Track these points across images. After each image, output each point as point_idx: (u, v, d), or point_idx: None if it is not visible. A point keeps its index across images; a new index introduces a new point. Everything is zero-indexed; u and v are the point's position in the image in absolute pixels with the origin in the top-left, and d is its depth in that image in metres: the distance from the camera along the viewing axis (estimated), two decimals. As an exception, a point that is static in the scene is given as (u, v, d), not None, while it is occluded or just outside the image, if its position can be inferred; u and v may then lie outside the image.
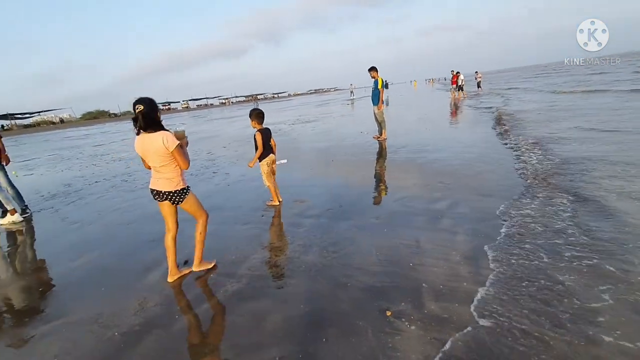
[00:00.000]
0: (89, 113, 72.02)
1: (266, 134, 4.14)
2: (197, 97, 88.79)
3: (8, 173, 4.93)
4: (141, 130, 2.38)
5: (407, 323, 1.92)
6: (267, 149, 4.15)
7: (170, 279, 2.69)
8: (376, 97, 7.70)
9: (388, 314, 2.02)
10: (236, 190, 5.20)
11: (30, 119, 61.78)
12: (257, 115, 4.08)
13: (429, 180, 4.65)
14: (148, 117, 2.34)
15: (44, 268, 3.34)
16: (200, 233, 2.72)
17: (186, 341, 2.02)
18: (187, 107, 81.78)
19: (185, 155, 2.47)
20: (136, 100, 2.34)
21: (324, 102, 37.63)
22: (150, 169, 2.53)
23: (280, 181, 4.52)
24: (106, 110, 75.80)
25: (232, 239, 3.38)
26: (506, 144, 6.35)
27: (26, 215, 4.93)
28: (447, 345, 1.73)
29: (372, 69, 7.62)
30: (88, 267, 3.16)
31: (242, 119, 22.97)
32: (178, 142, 2.39)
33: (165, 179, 2.46)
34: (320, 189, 4.77)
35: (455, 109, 14.32)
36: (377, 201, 4.14)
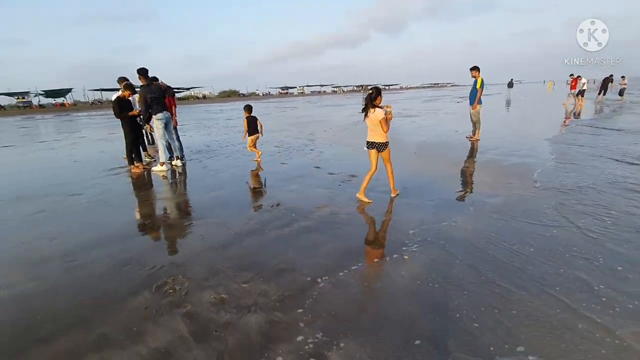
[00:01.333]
0: (224, 92, 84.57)
1: (251, 120, 6.72)
2: (311, 84, 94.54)
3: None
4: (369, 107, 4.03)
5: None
6: (252, 130, 6.73)
7: (358, 195, 4.25)
8: (473, 97, 7.79)
9: (405, 257, 2.80)
10: (325, 165, 6.32)
11: (181, 93, 76.14)
12: (246, 108, 6.80)
13: (496, 179, 4.92)
14: (374, 99, 4.01)
15: (192, 194, 5.05)
16: (391, 172, 4.30)
17: (263, 246, 3.19)
18: (303, 92, 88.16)
19: (387, 124, 4.01)
20: (373, 87, 4.09)
21: (435, 97, 36.22)
22: None
23: (359, 165, 5.42)
24: (237, 90, 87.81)
25: (314, 197, 4.49)
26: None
27: (183, 162, 7.04)
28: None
29: (474, 69, 7.72)
30: (218, 197, 4.71)
31: (349, 107, 24.31)
32: (384, 116, 3.95)
33: (378, 134, 4.05)
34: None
35: (571, 116, 12.61)
36: (436, 186, 4.69)
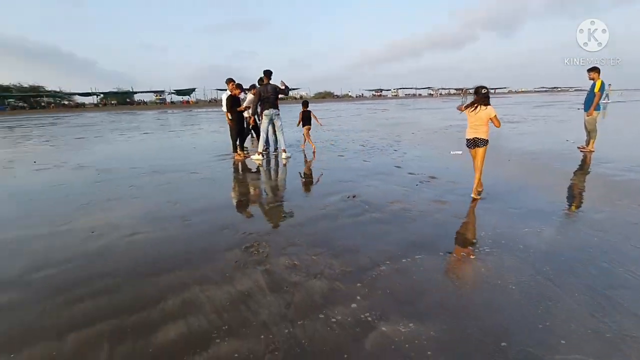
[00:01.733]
0: (319, 93, 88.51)
1: (306, 113, 8.22)
2: (405, 87, 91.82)
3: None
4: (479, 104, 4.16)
5: (479, 262, 2.67)
6: (305, 121, 8.29)
7: (473, 194, 4.32)
8: (589, 102, 6.80)
9: (472, 257, 2.80)
10: (406, 165, 6.35)
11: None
12: (303, 103, 8.50)
13: (604, 194, 4.30)
14: (487, 97, 4.19)
15: (280, 181, 5.69)
16: (481, 170, 4.32)
17: (335, 229, 3.50)
18: (397, 95, 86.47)
19: (498, 120, 4.22)
20: (481, 86, 4.21)
21: (549, 103, 31.72)
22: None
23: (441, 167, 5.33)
24: (331, 91, 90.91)
25: (390, 193, 4.65)
26: None
27: (288, 155, 7.86)
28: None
29: (593, 70, 6.73)
30: (302, 185, 5.22)
31: (443, 111, 23.12)
32: (495, 114, 4.16)
33: (483, 131, 4.21)
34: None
35: None
36: (526, 195, 4.35)
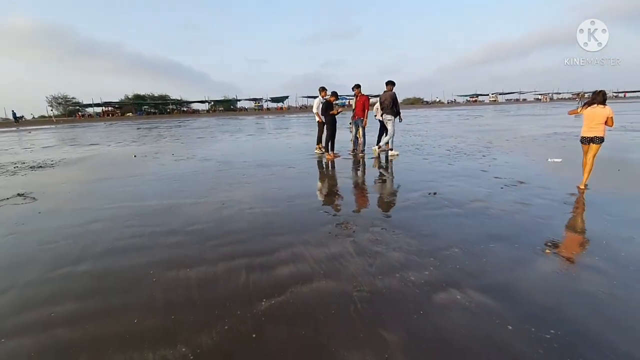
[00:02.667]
0: (408, 99, 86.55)
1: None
2: (507, 91, 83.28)
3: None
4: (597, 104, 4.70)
5: (552, 254, 2.86)
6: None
7: (581, 186, 4.86)
8: None
9: (547, 252, 2.99)
10: (493, 170, 6.32)
11: (371, 100, 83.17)
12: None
13: None
14: (605, 97, 4.69)
15: (368, 177, 6.29)
16: (592, 166, 4.83)
17: (414, 217, 3.93)
18: (496, 100, 79.15)
19: (613, 120, 4.72)
20: (599, 91, 4.71)
21: None
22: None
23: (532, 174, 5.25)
24: (420, 97, 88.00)
25: (471, 193, 4.85)
26: None
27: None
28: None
29: None
30: (387, 181, 5.74)
31: (549, 118, 20.76)
32: (612, 114, 4.64)
33: (600, 130, 4.69)
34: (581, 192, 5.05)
35: None
36: (614, 200, 4.10)
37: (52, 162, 9.32)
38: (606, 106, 4.65)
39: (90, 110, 62.72)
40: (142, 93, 69.32)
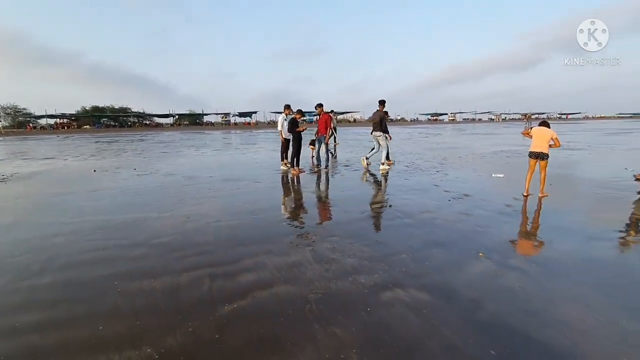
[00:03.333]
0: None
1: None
2: (464, 111, 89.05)
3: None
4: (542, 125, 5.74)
5: (483, 256, 3.30)
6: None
7: (525, 193, 5.76)
8: None
9: (480, 255, 3.43)
10: (443, 185, 6.91)
11: (339, 116, 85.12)
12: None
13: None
14: (547, 124, 5.72)
15: (331, 191, 6.63)
16: (545, 178, 5.72)
17: (369, 228, 4.28)
18: (454, 119, 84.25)
19: (559, 140, 5.61)
20: (543, 120, 5.67)
21: (628, 130, 28.95)
22: None
23: (478, 188, 5.85)
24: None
25: (422, 205, 5.32)
26: None
27: (319, 169, 8.93)
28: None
29: None
30: (349, 196, 6.11)
31: (500, 137, 22.57)
32: (556, 135, 5.55)
33: (545, 147, 5.59)
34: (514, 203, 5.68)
35: None
36: (547, 211, 4.73)
37: (2, 177, 8.81)
38: (550, 129, 5.65)
39: (43, 121, 58.94)
40: (101, 105, 66.35)
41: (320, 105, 8.96)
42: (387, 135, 9.01)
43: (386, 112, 9.23)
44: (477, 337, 2.16)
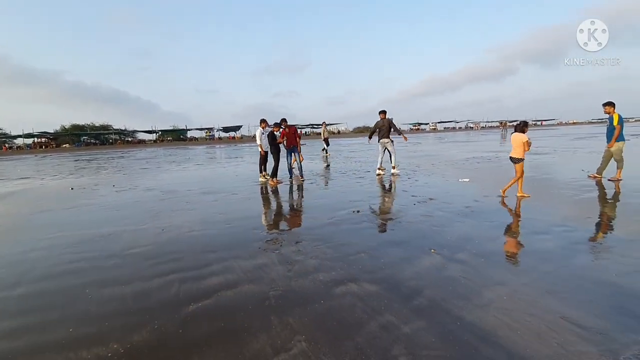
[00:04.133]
0: (358, 128, 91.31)
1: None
2: (445, 120, 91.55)
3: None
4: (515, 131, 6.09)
5: (434, 252, 3.62)
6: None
7: (502, 191, 6.27)
8: (610, 134, 7.34)
9: (432, 251, 3.74)
10: (412, 190, 7.28)
11: (320, 129, 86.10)
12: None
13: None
14: (519, 127, 6.05)
15: (305, 200, 6.89)
16: (517, 181, 6.12)
17: (335, 231, 4.56)
18: (435, 128, 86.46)
19: (528, 147, 5.92)
20: (519, 122, 6.15)
21: (595, 134, 30.47)
22: None
23: (443, 192, 6.23)
24: (370, 126, 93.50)
25: (389, 209, 5.63)
26: None
27: (291, 180, 9.21)
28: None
29: (608, 104, 7.31)
30: (321, 203, 6.38)
31: (475, 144, 23.43)
32: (526, 139, 5.88)
33: (516, 152, 5.98)
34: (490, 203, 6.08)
35: None
36: (500, 209, 5.11)
37: (-25, 198, 8.72)
38: (523, 134, 5.96)
39: (19, 141, 57.46)
40: (81, 123, 65.26)
41: (284, 120, 9.47)
42: (403, 136, 10.24)
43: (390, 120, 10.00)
44: (413, 318, 2.44)
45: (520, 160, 6.01)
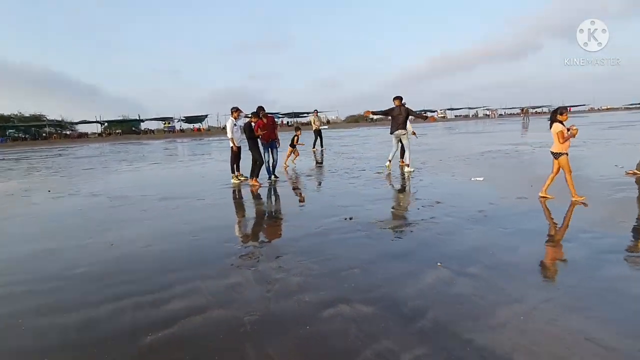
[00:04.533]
0: (352, 116, 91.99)
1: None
2: (455, 107, 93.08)
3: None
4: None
5: (440, 265, 3.73)
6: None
7: (540, 194, 6.35)
8: None
9: (438, 265, 3.85)
10: (415, 191, 7.43)
11: (305, 118, 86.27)
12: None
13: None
14: (551, 117, 6.11)
15: (284, 207, 6.95)
16: (557, 177, 6.22)
17: (323, 243, 4.64)
18: (444, 117, 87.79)
19: (564, 138, 5.88)
20: (560, 106, 6.21)
21: (632, 122, 31.52)
22: None
23: (452, 193, 6.38)
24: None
25: (387, 215, 5.75)
26: None
27: (270, 181, 9.26)
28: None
29: None
30: (305, 210, 6.45)
31: (491, 135, 23.94)
32: (560, 129, 5.87)
33: (554, 145, 6.09)
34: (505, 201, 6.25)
35: None
36: (516, 213, 5.29)
37: None
38: (554, 124, 6.05)
39: None
40: (6, 113, 63.55)
41: (262, 109, 9.19)
42: (431, 118, 10.25)
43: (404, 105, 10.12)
44: (417, 343, 2.53)
45: (559, 154, 6.02)
